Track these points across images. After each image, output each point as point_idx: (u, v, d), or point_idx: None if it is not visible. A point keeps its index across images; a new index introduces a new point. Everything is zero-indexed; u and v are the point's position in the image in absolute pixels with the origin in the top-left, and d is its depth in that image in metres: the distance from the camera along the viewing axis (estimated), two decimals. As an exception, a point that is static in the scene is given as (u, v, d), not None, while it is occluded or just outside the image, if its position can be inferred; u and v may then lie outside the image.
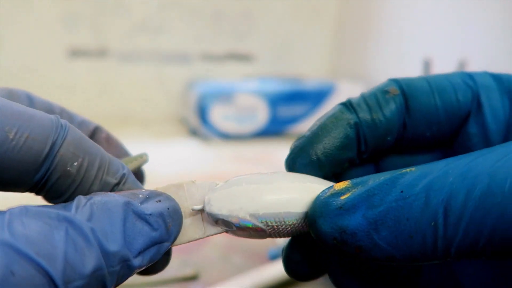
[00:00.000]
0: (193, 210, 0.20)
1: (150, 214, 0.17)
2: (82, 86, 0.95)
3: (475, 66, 0.68)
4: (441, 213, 0.15)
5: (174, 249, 0.21)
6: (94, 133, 0.25)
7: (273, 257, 0.44)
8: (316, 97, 0.91)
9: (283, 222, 0.19)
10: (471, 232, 0.15)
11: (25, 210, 0.15)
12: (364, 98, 0.21)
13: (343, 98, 0.22)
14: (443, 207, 0.15)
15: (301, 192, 0.19)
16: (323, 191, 0.18)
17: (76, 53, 0.93)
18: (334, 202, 0.17)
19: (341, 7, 1.07)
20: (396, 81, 0.21)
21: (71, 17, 0.91)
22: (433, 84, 0.20)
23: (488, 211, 0.14)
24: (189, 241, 0.20)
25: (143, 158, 0.24)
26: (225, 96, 0.86)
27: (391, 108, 0.20)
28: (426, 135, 0.21)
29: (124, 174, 0.19)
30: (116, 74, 0.96)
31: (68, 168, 0.17)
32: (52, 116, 0.18)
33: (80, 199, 0.17)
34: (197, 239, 0.20)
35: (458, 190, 0.15)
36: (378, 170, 0.22)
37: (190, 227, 0.20)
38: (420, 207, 0.15)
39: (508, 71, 0.70)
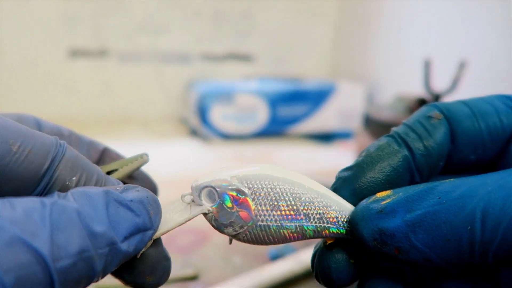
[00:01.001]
0: (182, 196, 0.20)
1: (131, 201, 0.18)
2: (82, 86, 0.95)
3: (475, 66, 0.68)
4: (478, 219, 0.16)
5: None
6: (103, 154, 0.25)
7: (273, 257, 0.44)
8: (316, 97, 0.91)
9: (263, 185, 0.19)
10: (509, 237, 0.15)
11: (8, 199, 0.15)
12: (409, 126, 0.21)
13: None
14: (481, 213, 0.16)
15: (281, 167, 0.20)
16: (366, 198, 0.19)
17: (76, 53, 0.93)
18: (375, 207, 0.18)
19: (341, 7, 1.07)
20: (435, 106, 0.21)
21: (71, 17, 0.91)
22: (474, 108, 0.20)
23: None
24: (176, 226, 0.20)
25: (143, 158, 0.24)
26: (225, 96, 0.86)
27: (440, 132, 0.20)
28: (470, 158, 0.21)
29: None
30: (116, 74, 0.96)
31: (67, 183, 0.18)
32: (51, 137, 0.19)
33: (59, 193, 0.17)
34: (183, 223, 0.20)
35: (496, 198, 0.16)
36: None
37: (177, 214, 0.20)
38: (457, 212, 0.16)
39: (508, 71, 0.70)
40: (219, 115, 0.86)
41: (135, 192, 0.18)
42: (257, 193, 0.19)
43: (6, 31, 0.88)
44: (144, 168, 0.25)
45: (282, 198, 0.19)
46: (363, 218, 0.18)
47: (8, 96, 0.89)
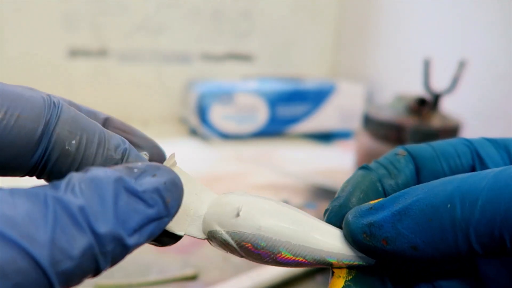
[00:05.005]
0: None
1: (144, 191, 0.16)
2: (82, 86, 0.95)
3: (475, 66, 0.68)
4: (457, 196, 0.17)
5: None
6: (105, 123, 0.23)
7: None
8: (316, 97, 0.91)
9: (252, 242, 0.19)
10: (487, 210, 0.16)
11: (12, 191, 0.14)
12: (377, 162, 0.23)
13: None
14: (460, 191, 0.17)
15: (279, 205, 0.20)
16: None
17: (76, 53, 0.93)
18: (365, 206, 0.19)
19: (341, 7, 1.07)
20: (403, 147, 0.23)
21: (71, 17, 0.91)
22: (438, 150, 0.22)
23: (501, 189, 0.16)
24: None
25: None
26: (225, 96, 0.86)
27: (408, 169, 0.22)
28: None
29: (125, 149, 0.19)
30: (116, 74, 0.96)
31: (67, 147, 0.17)
32: (43, 95, 0.17)
33: (72, 176, 0.16)
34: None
35: (472, 177, 0.17)
36: None
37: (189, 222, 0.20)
38: (438, 194, 0.17)
39: (508, 71, 0.69)
40: (219, 115, 0.86)
41: (150, 179, 0.16)
42: (244, 249, 0.19)
43: (5, 31, 0.88)
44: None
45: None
46: (354, 216, 0.19)
47: (8, 96, 0.89)
